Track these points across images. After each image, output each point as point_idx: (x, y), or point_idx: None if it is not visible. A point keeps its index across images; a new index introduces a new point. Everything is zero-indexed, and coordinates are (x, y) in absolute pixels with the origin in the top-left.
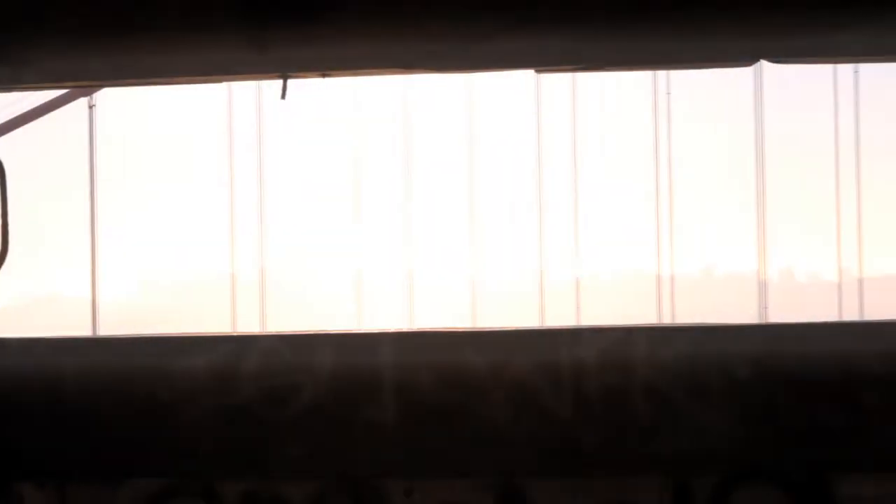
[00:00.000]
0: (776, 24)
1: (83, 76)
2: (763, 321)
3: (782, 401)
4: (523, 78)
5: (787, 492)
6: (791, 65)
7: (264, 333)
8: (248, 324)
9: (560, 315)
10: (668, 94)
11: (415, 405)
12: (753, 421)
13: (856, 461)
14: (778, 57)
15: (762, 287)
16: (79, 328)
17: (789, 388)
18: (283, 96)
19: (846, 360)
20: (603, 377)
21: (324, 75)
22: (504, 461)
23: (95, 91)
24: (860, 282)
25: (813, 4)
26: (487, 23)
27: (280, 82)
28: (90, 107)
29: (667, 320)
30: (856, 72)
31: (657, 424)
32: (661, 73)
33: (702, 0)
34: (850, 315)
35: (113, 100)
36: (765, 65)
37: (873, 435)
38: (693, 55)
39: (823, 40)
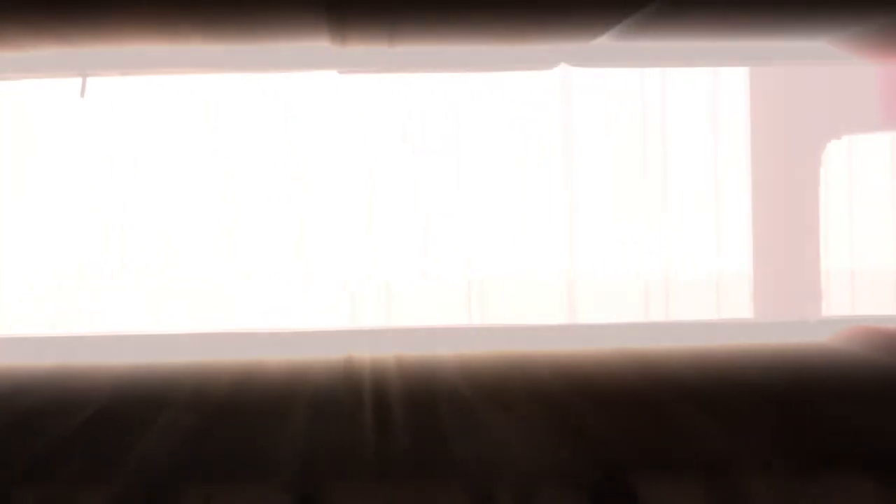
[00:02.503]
0: (576, 28)
1: None
2: (572, 322)
3: (585, 401)
4: (332, 78)
5: (590, 494)
6: (601, 68)
7: (60, 335)
8: (50, 325)
9: (370, 316)
10: (472, 94)
11: (213, 407)
12: (556, 422)
13: (658, 462)
14: (578, 61)
15: (571, 287)
16: None
17: (592, 388)
18: (83, 94)
19: (649, 360)
20: (405, 378)
21: (123, 74)
22: (304, 464)
23: None
24: (666, 282)
25: (613, 11)
26: (288, 24)
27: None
28: None
29: (477, 322)
30: (663, 75)
31: (459, 425)
32: (471, 76)
33: (504, 5)
34: (657, 315)
35: None
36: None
37: (675, 435)
38: (495, 59)
39: (624, 45)
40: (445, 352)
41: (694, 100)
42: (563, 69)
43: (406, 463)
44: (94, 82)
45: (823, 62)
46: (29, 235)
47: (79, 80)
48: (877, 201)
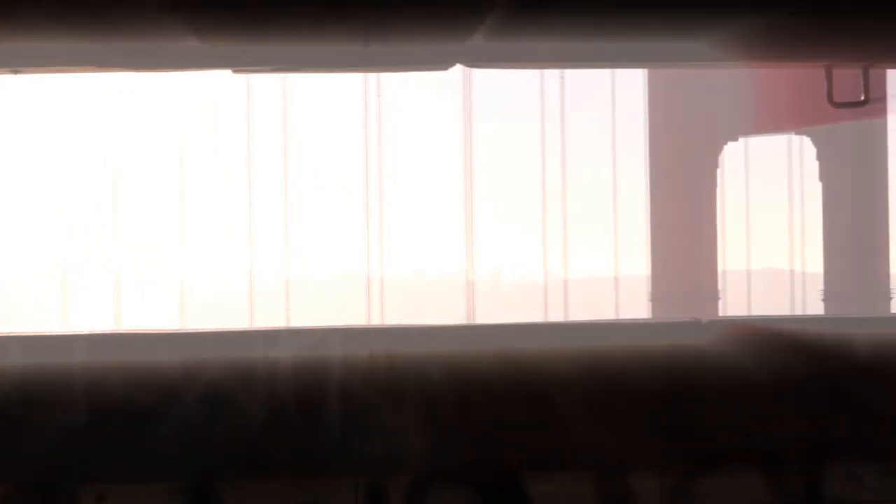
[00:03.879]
0: (473, 28)
1: None
2: (471, 322)
3: (476, 401)
4: (230, 78)
5: (480, 491)
6: (498, 69)
7: None
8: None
9: (271, 316)
10: (378, 97)
11: (107, 407)
12: (447, 421)
13: (546, 460)
14: (473, 61)
15: (470, 288)
16: None
17: (483, 388)
18: None
19: (540, 360)
20: (298, 378)
21: (15, 72)
22: (198, 463)
23: None
24: (565, 283)
25: (510, 11)
26: (180, 22)
27: None
28: None
29: (376, 321)
30: (561, 77)
31: (352, 424)
32: (373, 77)
33: (397, 4)
34: (556, 315)
35: None
36: (474, 69)
37: (564, 434)
38: (389, 58)
39: (521, 46)
40: (336, 350)
41: (592, 102)
42: (459, 69)
43: (298, 460)
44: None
45: (712, 65)
46: None
47: None
48: (773, 202)
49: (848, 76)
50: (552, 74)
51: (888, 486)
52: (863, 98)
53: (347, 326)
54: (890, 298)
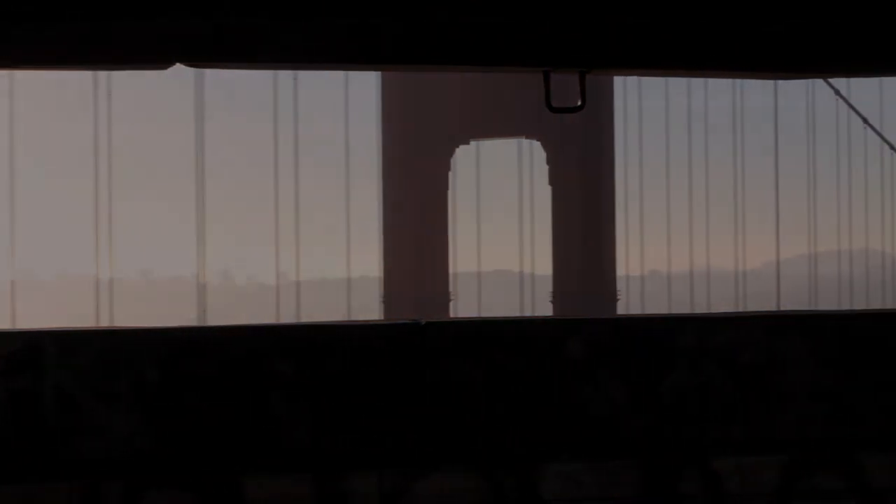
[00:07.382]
0: (195, 27)
1: None
2: (202, 324)
3: (196, 403)
4: None
5: (196, 493)
6: (224, 69)
7: None
8: None
9: None
10: (108, 95)
11: None
12: (164, 424)
13: (264, 462)
14: (193, 60)
15: (201, 290)
16: None
17: (204, 389)
18: None
19: (262, 360)
20: (9, 380)
21: None
22: None
23: None
24: (298, 285)
25: (238, 10)
26: None
27: None
28: None
29: (105, 322)
30: (295, 78)
31: (67, 428)
32: (103, 74)
33: (118, 5)
34: (287, 316)
35: None
36: (207, 70)
37: (282, 436)
38: (110, 56)
39: (245, 44)
40: (51, 352)
41: (326, 104)
42: (188, 70)
43: (10, 466)
44: None
45: (436, 68)
46: None
47: None
48: (504, 205)
49: (573, 81)
50: (286, 75)
51: (604, 485)
52: (580, 103)
53: (63, 328)
54: (617, 300)
